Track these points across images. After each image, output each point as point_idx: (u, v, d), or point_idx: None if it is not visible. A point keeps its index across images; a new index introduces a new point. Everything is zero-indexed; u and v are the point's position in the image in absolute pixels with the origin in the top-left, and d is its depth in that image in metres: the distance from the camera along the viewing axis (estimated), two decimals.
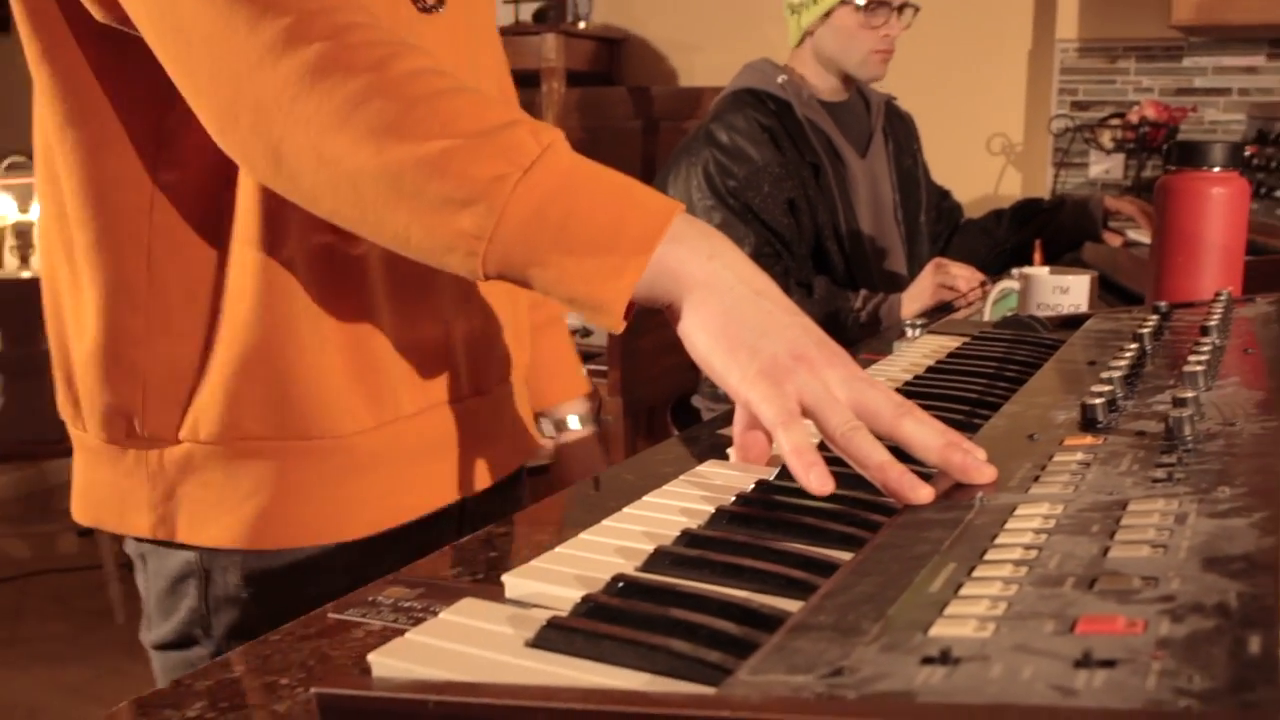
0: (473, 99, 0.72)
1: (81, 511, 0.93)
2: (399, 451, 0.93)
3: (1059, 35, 3.04)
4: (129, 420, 0.88)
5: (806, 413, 0.65)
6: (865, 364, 1.07)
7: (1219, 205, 1.21)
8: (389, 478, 0.92)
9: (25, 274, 3.42)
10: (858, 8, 2.07)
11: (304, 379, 0.87)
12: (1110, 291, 1.97)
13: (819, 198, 2.05)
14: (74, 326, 0.90)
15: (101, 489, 0.91)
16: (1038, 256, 2.02)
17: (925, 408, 0.66)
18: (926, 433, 0.62)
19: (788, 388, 0.64)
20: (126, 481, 0.89)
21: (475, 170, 0.68)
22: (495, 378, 1.03)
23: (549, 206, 0.68)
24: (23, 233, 3.58)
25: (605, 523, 0.62)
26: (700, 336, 0.68)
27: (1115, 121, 2.95)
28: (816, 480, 0.60)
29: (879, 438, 0.63)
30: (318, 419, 0.88)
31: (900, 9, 2.10)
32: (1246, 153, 2.26)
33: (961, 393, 0.84)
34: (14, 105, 4.51)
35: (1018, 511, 0.52)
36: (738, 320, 0.67)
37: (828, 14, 2.09)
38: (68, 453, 0.94)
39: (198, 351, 0.87)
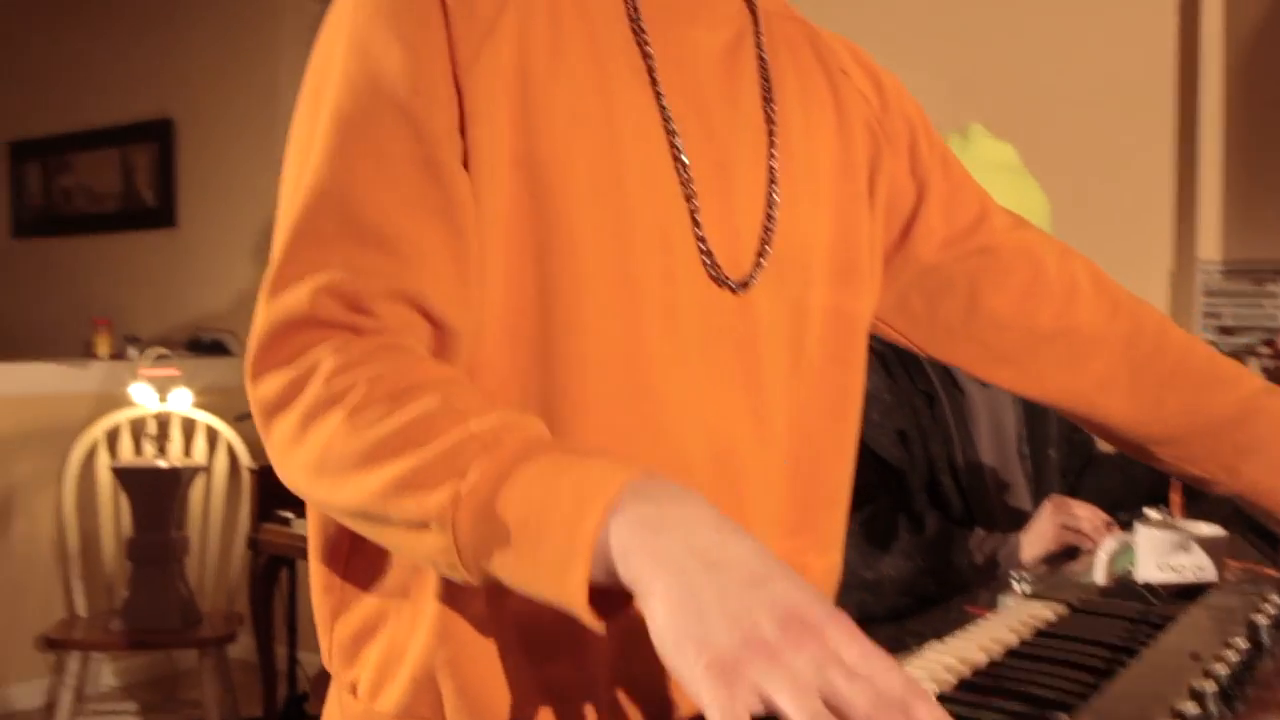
0: (428, 417, 0.71)
1: None
2: None
3: (1201, 255, 2.93)
4: (325, 664, 0.91)
5: (768, 707, 0.56)
6: (968, 618, 0.96)
7: None
8: None
9: (161, 463, 3.49)
10: None
11: (482, 677, 0.83)
12: (1263, 538, 1.80)
13: (933, 428, 1.95)
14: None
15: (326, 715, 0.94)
16: (1176, 497, 1.88)
17: (986, 705, 0.57)
18: None
19: (739, 687, 0.55)
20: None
21: (425, 489, 0.69)
22: None
23: (491, 514, 0.66)
24: (162, 423, 3.69)
25: None
26: (653, 625, 0.60)
27: (1265, 350, 2.80)
28: None
29: None
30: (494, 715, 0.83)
31: None
32: None
33: (1033, 689, 0.74)
34: (168, 296, 4.76)
35: None
36: (683, 606, 0.59)
37: None
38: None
39: (384, 618, 0.87)
